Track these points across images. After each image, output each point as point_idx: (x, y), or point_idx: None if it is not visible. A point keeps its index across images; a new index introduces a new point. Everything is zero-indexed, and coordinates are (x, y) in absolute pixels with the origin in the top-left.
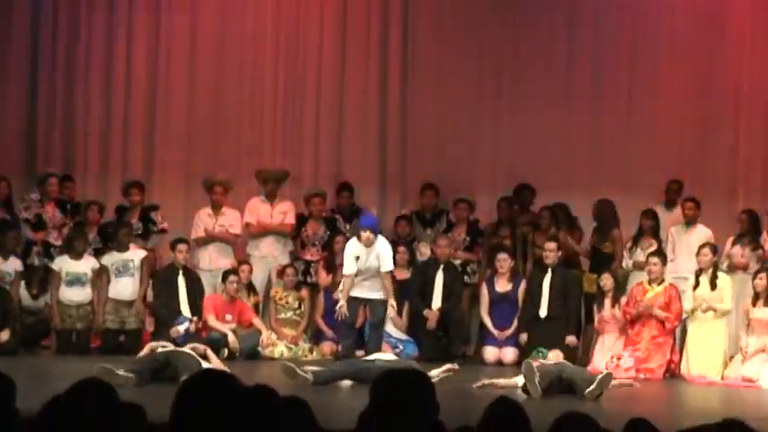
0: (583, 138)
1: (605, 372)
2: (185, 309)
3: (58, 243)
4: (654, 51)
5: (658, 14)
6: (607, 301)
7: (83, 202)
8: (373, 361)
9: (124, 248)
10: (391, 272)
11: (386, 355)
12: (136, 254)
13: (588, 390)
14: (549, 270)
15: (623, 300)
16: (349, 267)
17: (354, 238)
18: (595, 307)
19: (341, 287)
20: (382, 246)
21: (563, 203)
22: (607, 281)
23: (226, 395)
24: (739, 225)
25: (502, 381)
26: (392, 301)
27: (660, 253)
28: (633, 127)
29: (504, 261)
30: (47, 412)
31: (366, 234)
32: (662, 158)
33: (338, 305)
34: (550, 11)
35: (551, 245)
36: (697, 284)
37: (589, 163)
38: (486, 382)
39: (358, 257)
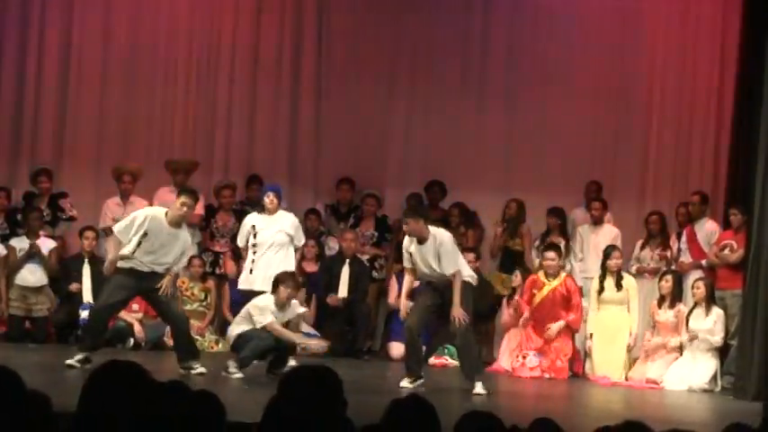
0: (496, 137)
1: None
2: (88, 296)
3: None
4: (569, 54)
5: (573, 18)
6: (516, 298)
7: None
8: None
9: (34, 234)
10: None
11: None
12: (44, 243)
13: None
14: None
15: (516, 296)
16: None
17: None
18: (504, 301)
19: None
20: (288, 218)
21: (460, 202)
22: (517, 278)
23: (134, 386)
24: (647, 227)
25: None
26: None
27: (555, 246)
28: (546, 128)
29: None
30: None
31: (270, 198)
32: (574, 160)
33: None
34: (466, 10)
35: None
36: (602, 289)
37: (501, 162)
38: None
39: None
